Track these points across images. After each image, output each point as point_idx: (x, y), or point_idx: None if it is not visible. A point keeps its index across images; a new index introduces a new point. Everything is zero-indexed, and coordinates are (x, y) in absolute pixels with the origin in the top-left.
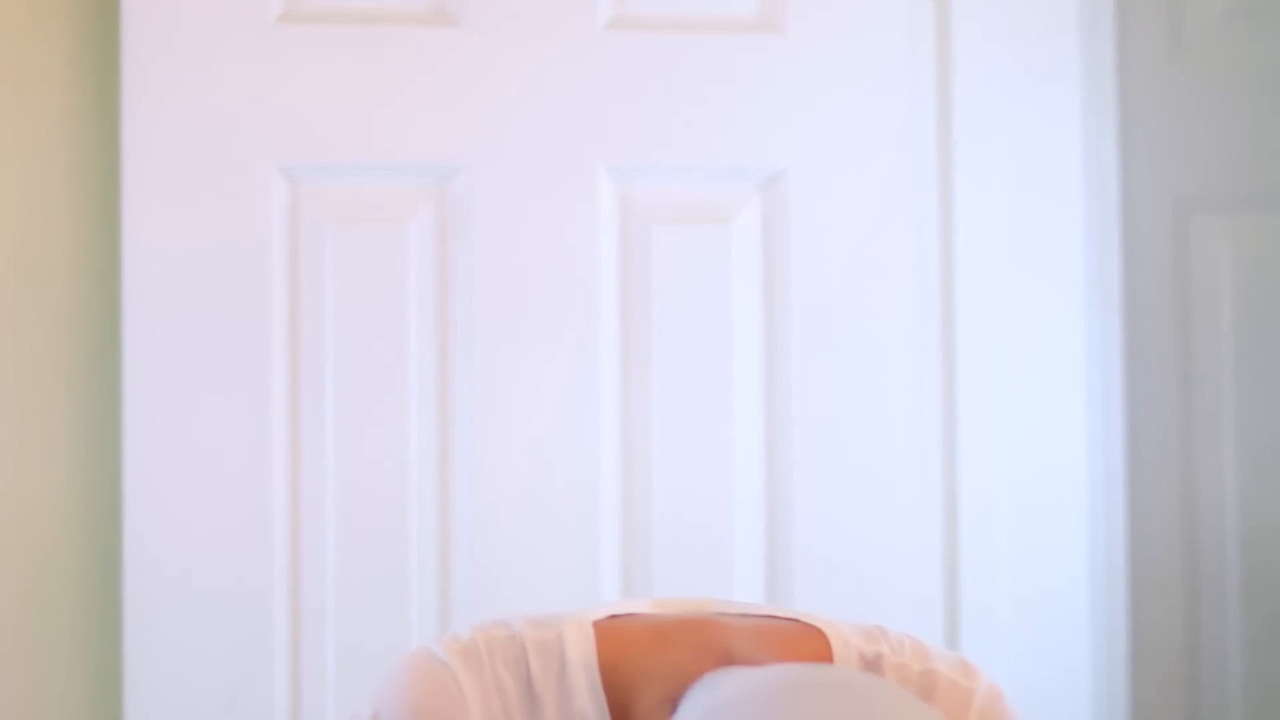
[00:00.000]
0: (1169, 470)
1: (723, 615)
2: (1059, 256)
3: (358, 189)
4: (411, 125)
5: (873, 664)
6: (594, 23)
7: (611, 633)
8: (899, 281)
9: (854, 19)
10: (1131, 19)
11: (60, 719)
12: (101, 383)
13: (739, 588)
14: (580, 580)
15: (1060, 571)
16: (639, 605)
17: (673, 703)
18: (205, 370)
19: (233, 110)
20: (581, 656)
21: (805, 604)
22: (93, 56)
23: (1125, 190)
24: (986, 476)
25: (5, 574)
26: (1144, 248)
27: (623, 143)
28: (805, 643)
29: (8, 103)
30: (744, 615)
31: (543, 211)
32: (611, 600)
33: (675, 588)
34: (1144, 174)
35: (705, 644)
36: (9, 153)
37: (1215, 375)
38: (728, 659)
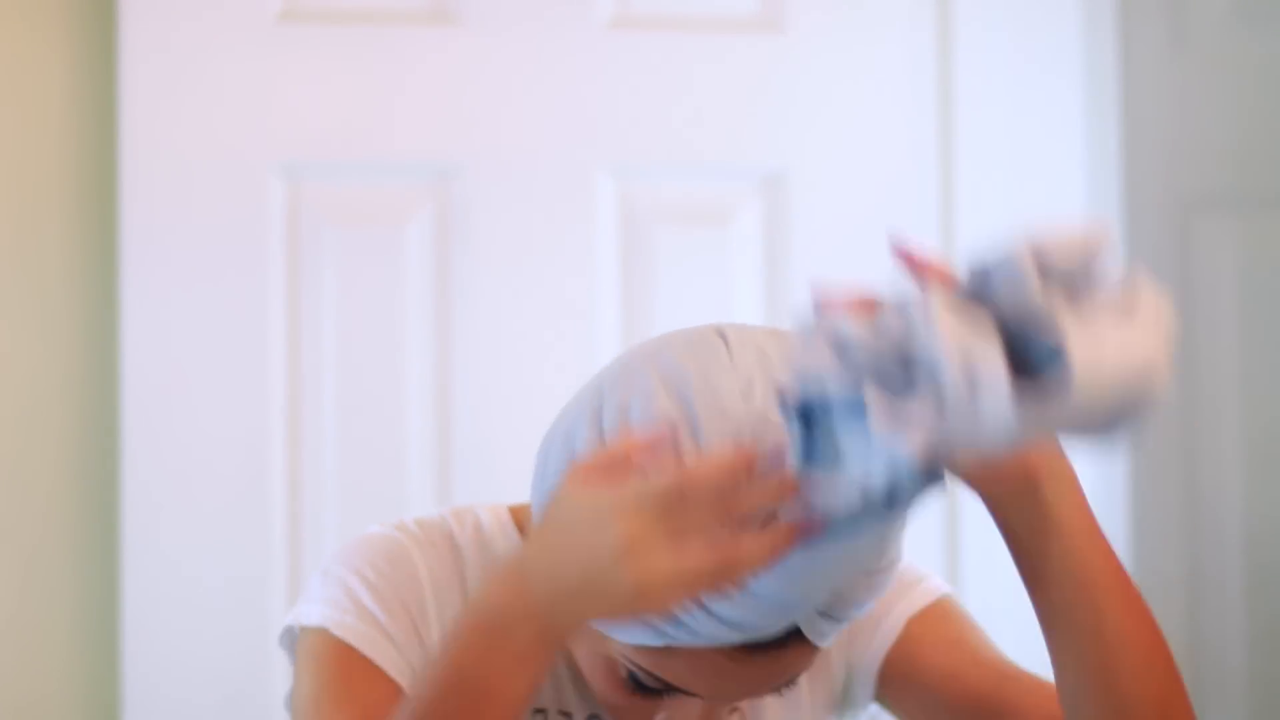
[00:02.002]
0: (1172, 470)
1: None
2: None
3: (358, 189)
4: (411, 125)
5: None
6: (594, 22)
7: (524, 507)
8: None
9: (854, 18)
10: (1134, 17)
11: (59, 705)
12: (100, 380)
13: None
14: None
15: None
16: None
17: None
18: (205, 368)
19: (232, 109)
20: (495, 516)
21: None
22: (90, 55)
23: (1128, 189)
24: None
25: (3, 569)
26: (1147, 247)
27: (623, 143)
28: None
29: (5, 101)
30: None
31: (543, 211)
32: None
33: None
34: (1147, 173)
35: None
36: (6, 153)
37: (1218, 374)
38: None
